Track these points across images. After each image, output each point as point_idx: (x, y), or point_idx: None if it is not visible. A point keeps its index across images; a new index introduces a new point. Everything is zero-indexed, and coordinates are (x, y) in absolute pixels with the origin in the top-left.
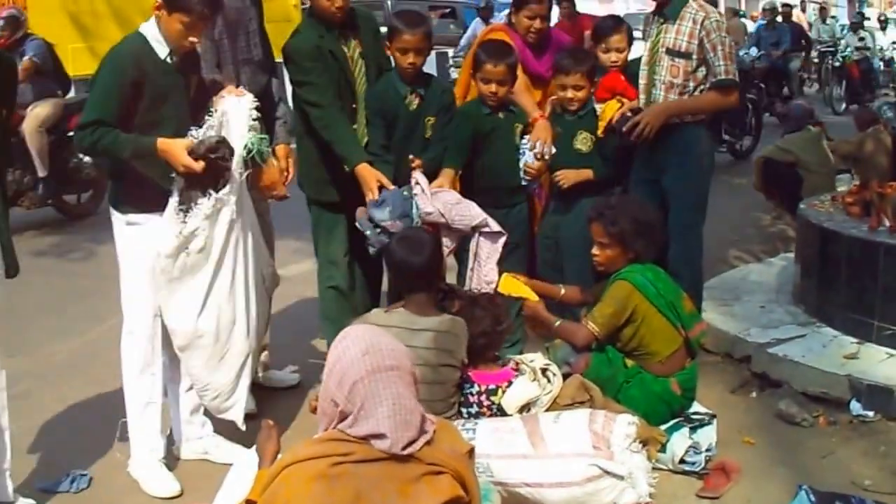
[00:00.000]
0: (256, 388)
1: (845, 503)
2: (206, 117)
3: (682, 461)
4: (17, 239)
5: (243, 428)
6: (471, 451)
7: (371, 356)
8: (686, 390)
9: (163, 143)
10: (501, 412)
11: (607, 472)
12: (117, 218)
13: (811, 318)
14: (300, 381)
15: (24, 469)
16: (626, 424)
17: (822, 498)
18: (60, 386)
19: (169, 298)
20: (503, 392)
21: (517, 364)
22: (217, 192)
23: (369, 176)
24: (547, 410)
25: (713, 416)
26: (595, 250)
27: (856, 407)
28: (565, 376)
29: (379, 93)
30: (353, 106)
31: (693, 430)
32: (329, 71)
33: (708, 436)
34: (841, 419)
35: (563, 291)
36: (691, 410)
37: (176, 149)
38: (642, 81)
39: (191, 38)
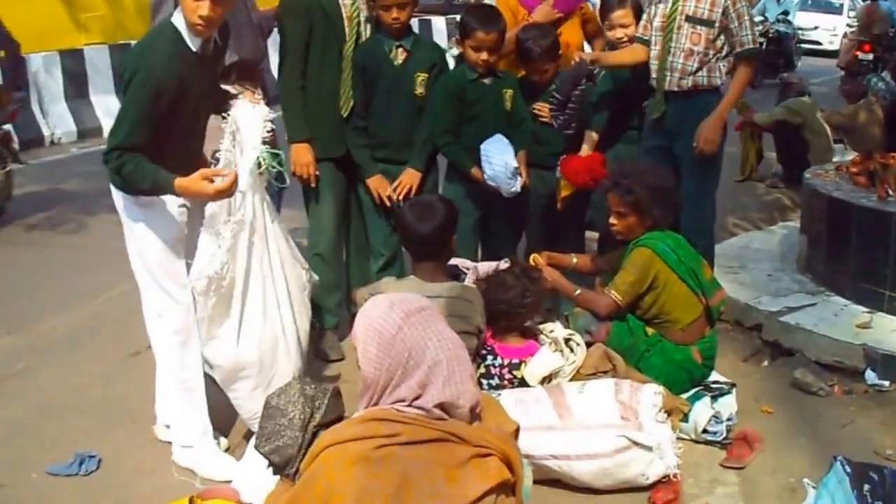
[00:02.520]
0: None
1: (879, 474)
2: (222, 122)
3: (704, 431)
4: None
5: None
6: (517, 431)
7: (398, 305)
8: (706, 359)
9: (180, 183)
10: (523, 385)
11: (636, 444)
12: (128, 200)
13: (819, 287)
14: None
15: (30, 452)
16: (652, 394)
17: (856, 469)
18: (61, 363)
19: (205, 334)
20: (526, 366)
21: (537, 335)
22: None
23: (300, 155)
24: (570, 381)
25: (733, 385)
26: (612, 220)
27: (871, 376)
28: (587, 345)
29: (364, 48)
30: (342, 65)
31: (714, 399)
32: (317, 29)
33: (729, 405)
34: (856, 388)
35: (574, 260)
36: (711, 379)
37: (196, 187)
38: (656, 48)
39: (199, 13)
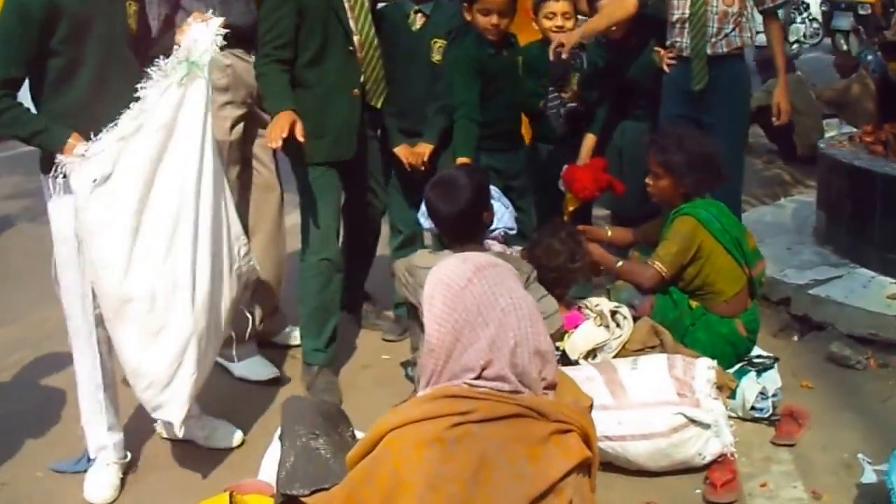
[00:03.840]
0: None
1: None
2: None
3: (751, 408)
4: None
5: (180, 434)
6: (590, 406)
7: (470, 259)
8: (750, 332)
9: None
10: (563, 358)
11: (693, 421)
12: (45, 181)
13: (843, 260)
14: None
15: (34, 449)
16: (706, 369)
17: None
18: (57, 354)
19: (91, 254)
20: (569, 337)
21: (580, 308)
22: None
23: (282, 117)
24: (615, 356)
25: (776, 360)
26: (649, 179)
27: None
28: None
29: (383, 12)
30: (350, 49)
31: (758, 374)
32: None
33: (773, 380)
34: (892, 361)
35: (609, 233)
36: (753, 354)
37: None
38: (681, 12)
39: None
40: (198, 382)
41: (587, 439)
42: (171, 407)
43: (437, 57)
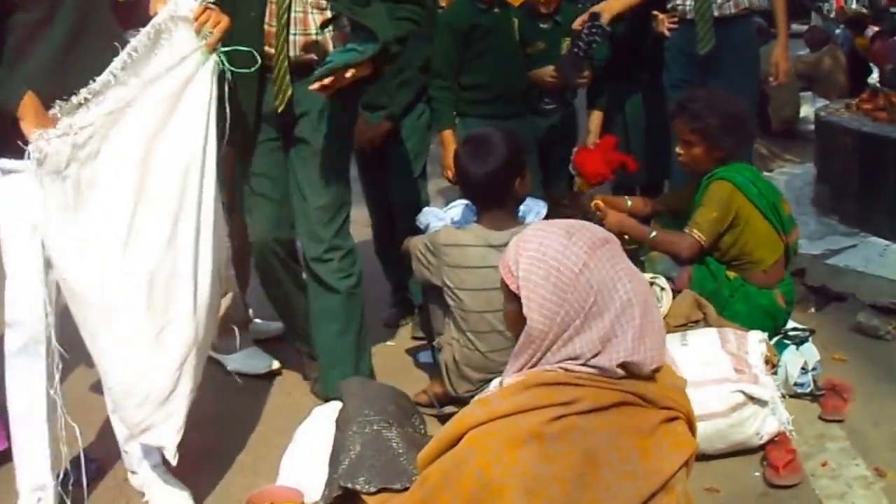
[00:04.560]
0: None
1: None
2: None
3: (795, 383)
4: None
5: (174, 461)
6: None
7: (579, 235)
8: (788, 303)
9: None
10: None
11: (752, 399)
12: None
13: (852, 229)
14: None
15: None
16: (758, 343)
17: None
18: None
19: (67, 238)
20: None
21: None
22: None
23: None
24: None
25: (811, 332)
26: (679, 149)
27: None
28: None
29: None
30: None
31: (797, 347)
32: None
33: (811, 353)
34: None
35: (629, 203)
36: (788, 326)
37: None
38: None
39: None
40: (192, 396)
41: (691, 426)
42: (167, 427)
43: None
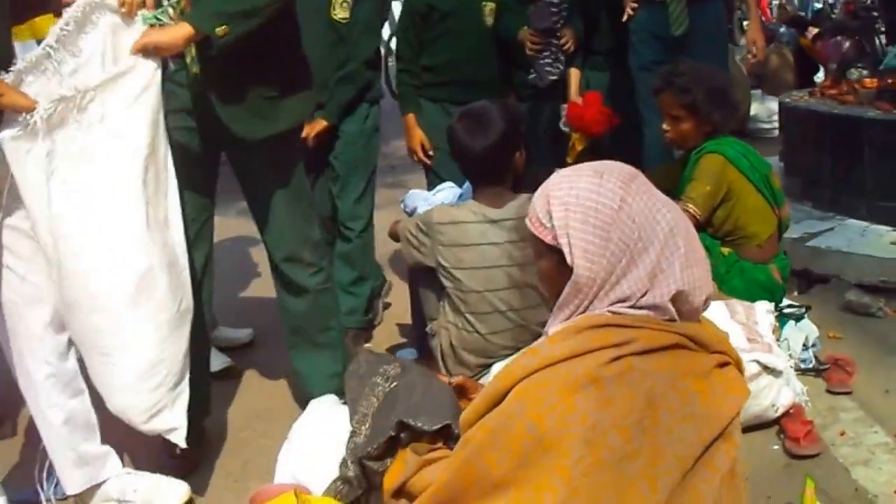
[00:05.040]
0: None
1: None
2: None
3: (798, 359)
4: None
5: (183, 443)
6: None
7: (609, 173)
8: (784, 279)
9: None
10: None
11: (766, 369)
12: None
13: (827, 214)
14: (253, 338)
15: None
16: (766, 313)
17: None
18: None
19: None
20: None
21: None
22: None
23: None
24: None
25: (808, 308)
26: (666, 125)
27: None
28: None
29: None
30: None
31: (795, 323)
32: None
33: (810, 329)
34: None
35: None
36: (784, 303)
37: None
38: None
39: None
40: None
41: (741, 374)
42: (176, 409)
43: (340, 14)
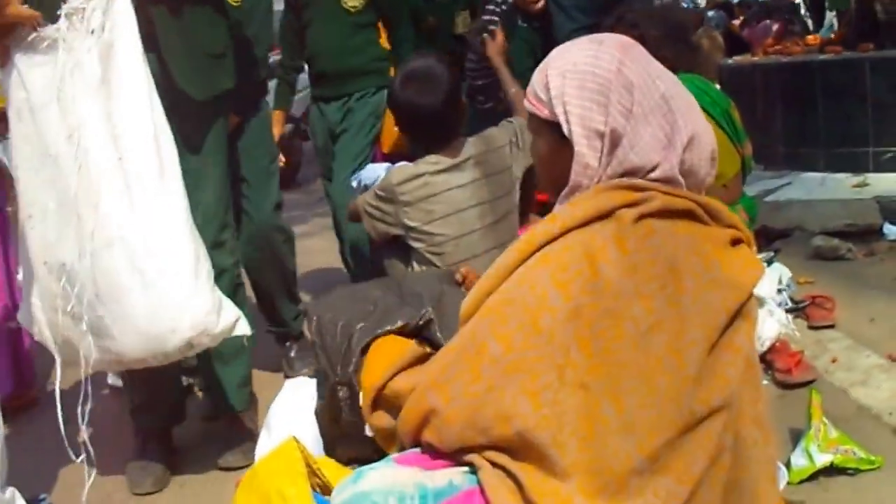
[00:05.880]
0: None
1: None
2: None
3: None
4: None
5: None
6: None
7: (607, 40)
8: (752, 220)
9: None
10: None
11: None
12: None
13: (781, 171)
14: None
15: None
16: None
17: None
18: None
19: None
20: None
21: None
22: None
23: None
24: None
25: (777, 251)
26: None
27: (892, 230)
28: None
29: None
30: None
31: (767, 265)
32: None
33: (783, 270)
34: (877, 248)
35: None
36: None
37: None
38: None
39: None
40: None
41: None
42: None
43: (351, 2)
